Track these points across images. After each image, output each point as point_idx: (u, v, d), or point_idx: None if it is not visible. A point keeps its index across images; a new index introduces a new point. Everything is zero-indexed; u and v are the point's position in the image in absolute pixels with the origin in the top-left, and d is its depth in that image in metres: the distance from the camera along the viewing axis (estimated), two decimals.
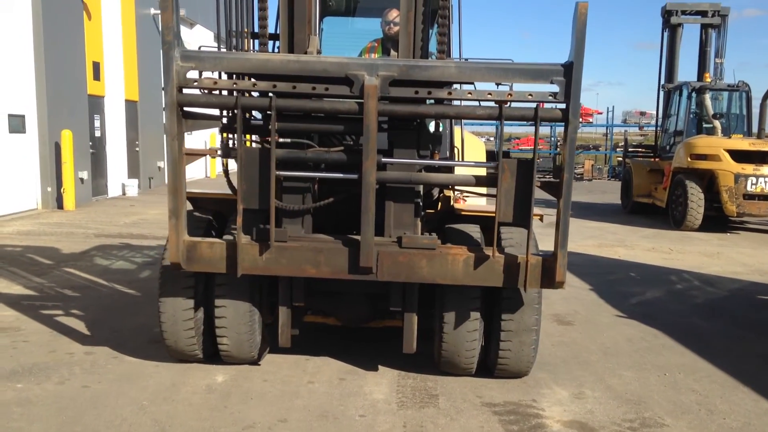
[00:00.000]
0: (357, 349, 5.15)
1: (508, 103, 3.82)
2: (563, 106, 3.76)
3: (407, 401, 4.26)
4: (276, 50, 4.61)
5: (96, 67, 15.19)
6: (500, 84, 3.88)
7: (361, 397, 4.32)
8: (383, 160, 3.98)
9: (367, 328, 5.06)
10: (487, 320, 4.48)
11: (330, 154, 4.06)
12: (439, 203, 5.00)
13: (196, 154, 4.09)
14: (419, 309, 4.45)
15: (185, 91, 3.84)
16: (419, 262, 4.02)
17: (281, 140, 4.15)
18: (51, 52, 13.07)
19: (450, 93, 3.82)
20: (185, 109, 3.88)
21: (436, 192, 5.02)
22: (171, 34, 3.68)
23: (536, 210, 4.08)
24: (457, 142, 5.17)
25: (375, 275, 4.03)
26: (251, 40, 4.73)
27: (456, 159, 5.16)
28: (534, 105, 3.81)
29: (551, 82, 3.71)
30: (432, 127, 4.69)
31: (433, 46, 4.53)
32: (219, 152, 4.14)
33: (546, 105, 3.84)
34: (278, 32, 4.38)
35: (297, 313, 4.61)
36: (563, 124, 3.80)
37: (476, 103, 3.97)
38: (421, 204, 4.30)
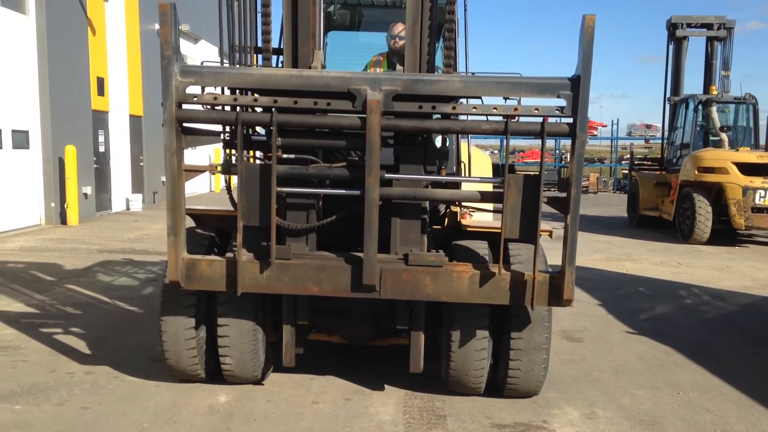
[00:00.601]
0: (362, 368, 5.05)
1: (516, 117, 3.74)
2: (570, 120, 3.67)
3: (414, 422, 4.16)
4: (279, 65, 4.54)
5: (100, 82, 15.19)
6: (507, 98, 3.81)
7: (367, 418, 4.21)
8: (386, 175, 3.90)
9: (373, 347, 4.96)
10: (495, 338, 4.38)
11: (332, 170, 3.99)
12: (446, 219, 4.92)
13: (195, 171, 4.02)
14: (426, 327, 4.36)
15: (185, 106, 3.77)
16: (423, 280, 3.93)
17: (285, 156, 4.08)
18: (55, 68, 13.08)
19: (454, 108, 3.74)
20: (185, 125, 3.82)
21: (442, 208, 4.93)
22: (170, 49, 3.62)
23: (544, 225, 3.99)
24: (464, 157, 5.09)
25: (378, 293, 3.94)
26: (255, 55, 4.66)
27: (462, 174, 5.07)
28: (540, 119, 3.73)
29: (558, 96, 3.63)
30: (439, 142, 4.61)
31: (439, 60, 4.45)
32: (219, 168, 4.07)
33: (552, 119, 3.76)
34: (282, 47, 4.31)
35: (301, 331, 4.52)
36: (570, 138, 3.71)
37: (483, 118, 3.88)
38: (427, 220, 4.22)
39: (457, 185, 4.52)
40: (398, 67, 4.25)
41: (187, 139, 3.87)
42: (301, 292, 4.04)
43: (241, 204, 3.89)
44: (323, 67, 4.18)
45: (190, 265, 3.97)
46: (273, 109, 3.75)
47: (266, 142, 4.14)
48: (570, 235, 3.71)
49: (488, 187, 4.06)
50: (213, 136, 4.23)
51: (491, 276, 3.90)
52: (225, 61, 4.50)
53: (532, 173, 3.83)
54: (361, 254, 3.91)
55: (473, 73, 4.50)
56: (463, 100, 4.06)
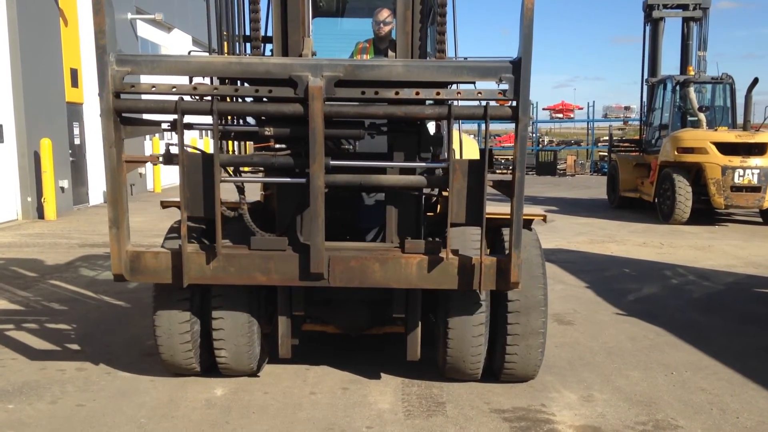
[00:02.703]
0: (357, 357, 5.03)
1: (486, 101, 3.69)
2: (514, 103, 3.65)
3: (414, 410, 4.15)
4: (270, 53, 4.48)
5: (74, 73, 14.93)
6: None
7: (366, 407, 4.20)
8: (331, 162, 3.83)
9: (366, 335, 4.95)
10: (492, 324, 4.38)
11: (276, 158, 3.93)
12: (438, 206, 4.90)
13: (136, 162, 3.92)
14: (421, 314, 4.34)
15: (123, 95, 3.68)
16: (372, 267, 3.88)
17: (278, 146, 4.02)
18: (28, 60, 12.81)
19: (397, 93, 3.67)
20: (124, 114, 3.74)
21: (435, 195, 4.90)
22: (104, 38, 3.53)
23: (540, 210, 3.97)
24: (454, 144, 5.05)
25: (327, 281, 3.91)
26: (243, 44, 4.58)
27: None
28: (485, 103, 3.70)
29: (500, 80, 3.60)
30: (432, 129, 4.57)
31: (430, 46, 4.41)
32: (160, 159, 3.98)
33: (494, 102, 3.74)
34: (271, 35, 4.25)
35: (296, 322, 4.48)
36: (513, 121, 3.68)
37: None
38: (422, 208, 4.19)
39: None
40: (390, 53, 4.21)
41: (126, 130, 3.78)
42: (248, 282, 3.99)
43: (184, 195, 3.82)
44: (314, 54, 4.11)
45: (134, 257, 3.89)
46: (213, 97, 3.68)
47: (251, 132, 4.07)
48: (515, 218, 3.70)
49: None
50: (154, 125, 4.13)
51: (439, 261, 3.87)
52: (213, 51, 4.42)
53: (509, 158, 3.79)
54: (308, 242, 3.87)
55: (465, 58, 4.46)
56: (455, 86, 4.00)
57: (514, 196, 3.67)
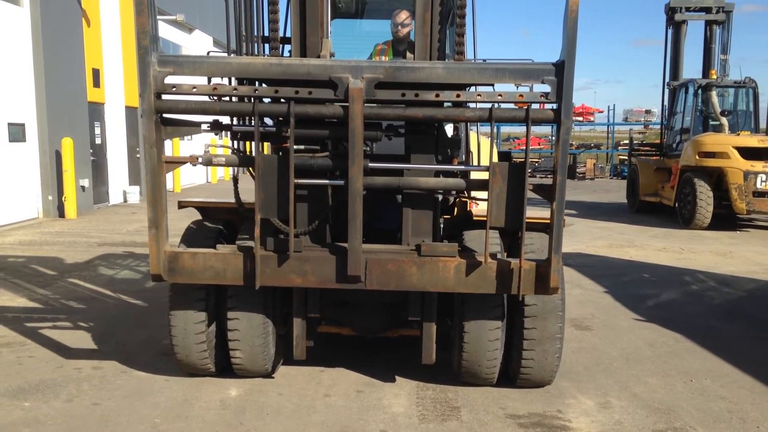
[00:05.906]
0: (372, 360, 5.01)
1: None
2: (555, 106, 3.60)
3: (428, 414, 4.12)
4: (288, 54, 4.48)
5: (96, 73, 15.06)
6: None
7: (380, 410, 4.18)
8: (370, 165, 3.81)
9: (381, 338, 4.92)
10: (508, 328, 4.33)
11: (315, 159, 3.92)
12: (456, 209, 4.87)
13: (176, 162, 3.93)
14: (437, 317, 4.31)
15: (164, 96, 3.69)
16: (409, 270, 3.86)
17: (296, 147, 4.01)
18: (50, 60, 12.94)
19: (438, 95, 3.65)
20: (164, 115, 3.74)
21: (452, 198, 4.87)
22: (147, 39, 3.53)
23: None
24: (472, 146, 5.03)
25: (363, 284, 3.88)
26: (262, 45, 4.58)
27: (471, 163, 5.01)
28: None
29: (542, 82, 3.56)
30: (450, 131, 4.55)
31: (449, 48, 4.38)
32: (200, 160, 3.98)
33: (536, 105, 3.69)
34: (290, 36, 4.24)
35: (311, 323, 4.47)
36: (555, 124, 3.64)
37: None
38: (439, 210, 4.15)
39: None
40: (408, 55, 4.18)
41: (167, 130, 3.79)
42: (284, 284, 3.97)
43: (256, 197, 3.79)
44: (332, 55, 4.10)
45: (172, 258, 3.90)
46: (254, 99, 3.67)
47: (276, 133, 4.07)
48: (556, 223, 3.65)
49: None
50: (193, 126, 4.13)
51: (478, 265, 3.83)
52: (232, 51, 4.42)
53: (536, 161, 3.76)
54: (345, 245, 3.85)
55: (484, 60, 4.43)
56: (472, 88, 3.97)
57: (555, 200, 3.63)
